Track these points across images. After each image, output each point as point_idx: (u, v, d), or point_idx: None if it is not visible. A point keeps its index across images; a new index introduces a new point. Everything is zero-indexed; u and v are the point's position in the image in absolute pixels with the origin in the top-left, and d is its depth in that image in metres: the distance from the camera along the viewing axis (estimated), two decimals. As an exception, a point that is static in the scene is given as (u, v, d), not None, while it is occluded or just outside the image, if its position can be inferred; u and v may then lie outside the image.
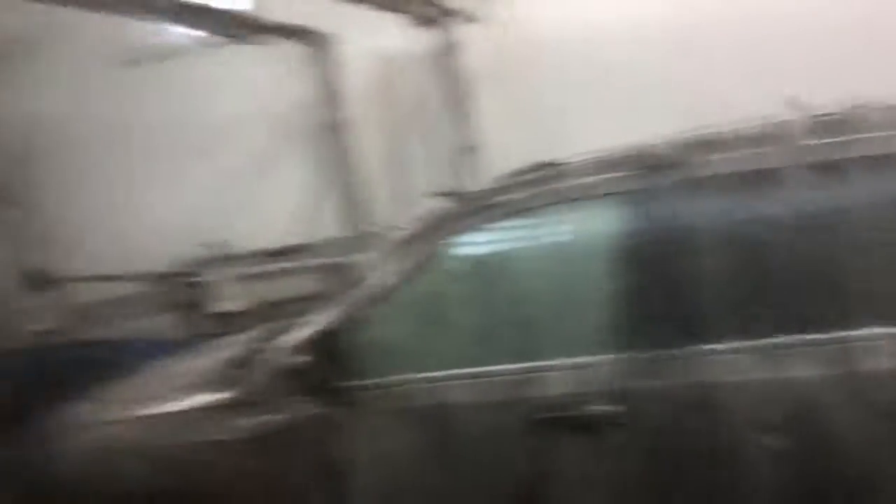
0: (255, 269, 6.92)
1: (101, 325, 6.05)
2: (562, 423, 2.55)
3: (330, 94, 7.57)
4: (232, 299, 6.64)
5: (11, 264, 7.36)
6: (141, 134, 7.98)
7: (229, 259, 7.09)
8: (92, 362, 4.00)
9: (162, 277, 6.97)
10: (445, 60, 7.27)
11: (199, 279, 6.86)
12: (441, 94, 7.28)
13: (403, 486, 2.73)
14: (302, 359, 2.76)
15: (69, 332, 5.78)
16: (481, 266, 2.90)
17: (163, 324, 6.59)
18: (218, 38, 7.04)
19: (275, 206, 7.53)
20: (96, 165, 8.13)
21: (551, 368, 2.62)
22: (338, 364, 2.72)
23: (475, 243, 2.87)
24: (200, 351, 3.69)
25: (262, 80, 7.47)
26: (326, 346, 2.75)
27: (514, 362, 2.67)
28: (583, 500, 2.57)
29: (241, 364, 2.97)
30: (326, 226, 7.44)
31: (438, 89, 7.28)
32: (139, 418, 3.08)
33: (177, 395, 3.07)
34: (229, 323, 6.03)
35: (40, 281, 6.77)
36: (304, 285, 6.30)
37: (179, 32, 7.49)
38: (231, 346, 3.33)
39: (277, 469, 2.79)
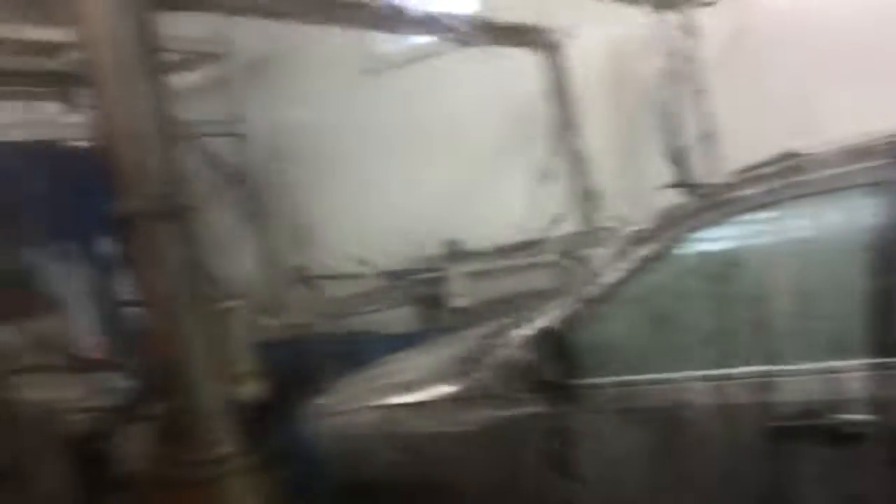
0: (491, 266, 7.05)
1: (349, 320, 6.45)
2: (805, 432, 2.39)
3: (561, 89, 7.56)
4: (467, 295, 6.81)
5: (274, 262, 8.07)
6: (382, 137, 8.44)
7: (465, 255, 7.30)
8: (340, 354, 4.28)
9: (403, 274, 7.31)
10: (680, 46, 7.02)
11: (436, 275, 7.11)
12: (675, 81, 7.04)
13: (626, 488, 2.69)
14: (527, 356, 2.79)
15: (322, 325, 6.22)
16: (718, 263, 2.76)
17: (404, 318, 6.91)
18: (450, 43, 7.25)
19: (509, 203, 7.62)
20: (344, 168, 8.70)
21: (794, 373, 2.46)
22: (563, 362, 2.72)
23: (713, 239, 2.76)
24: (436, 345, 3.84)
25: (493, 79, 7.60)
26: (552, 343, 2.75)
27: (752, 366, 2.53)
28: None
29: (471, 359, 3.05)
30: (560, 222, 7.44)
31: (672, 77, 7.05)
32: (380, 407, 3.25)
33: (414, 387, 3.21)
34: (465, 318, 6.20)
35: (298, 277, 7.36)
36: (538, 281, 6.34)
37: (414, 40, 7.81)
38: (463, 342, 3.43)
39: (502, 463, 2.85)
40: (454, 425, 2.91)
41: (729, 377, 2.56)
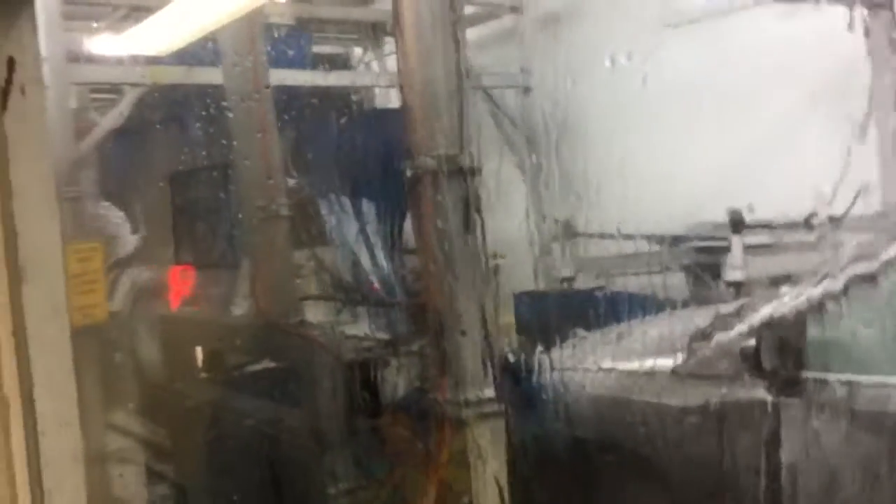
0: (776, 240, 6.71)
1: (611, 278, 6.48)
2: None
3: (880, 53, 6.90)
4: (744, 269, 6.56)
5: (545, 216, 8.26)
6: (676, 93, 8.22)
7: (749, 227, 7.00)
8: (590, 311, 4.38)
9: (680, 239, 7.17)
10: None
11: (714, 245, 6.90)
12: None
13: (838, 488, 2.57)
14: (755, 341, 2.74)
15: (583, 280, 6.32)
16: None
17: (674, 285, 6.81)
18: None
19: (809, 175, 7.15)
20: (632, 125, 8.62)
21: None
22: (790, 352, 2.64)
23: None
24: (677, 316, 3.84)
25: (803, 38, 7.09)
26: (786, 331, 2.68)
27: None
28: None
29: (703, 336, 3.05)
30: (863, 199, 6.86)
31: None
32: (605, 370, 3.33)
33: (641, 355, 3.28)
34: (736, 292, 6.00)
35: (567, 233, 7.50)
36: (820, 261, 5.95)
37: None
38: (706, 317, 3.42)
39: (714, 443, 2.84)
40: (673, 398, 2.95)
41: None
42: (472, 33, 8.25)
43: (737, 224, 6.79)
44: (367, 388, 3.32)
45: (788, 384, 2.69)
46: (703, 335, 3.09)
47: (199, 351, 4.69)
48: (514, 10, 8.65)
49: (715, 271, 6.58)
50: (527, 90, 8.83)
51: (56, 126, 5.77)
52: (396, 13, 2.97)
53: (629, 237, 7.08)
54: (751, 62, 7.57)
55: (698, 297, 6.10)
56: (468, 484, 2.77)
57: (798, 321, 2.72)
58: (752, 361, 2.77)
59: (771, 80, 7.50)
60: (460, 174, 2.86)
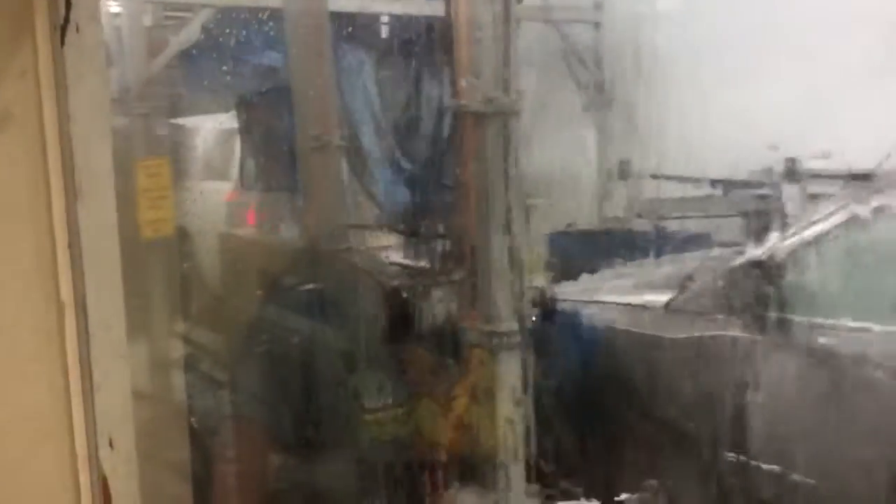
0: (831, 190, 6.62)
1: (662, 219, 6.51)
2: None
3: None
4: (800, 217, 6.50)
5: (605, 154, 8.25)
6: (744, 34, 8.04)
7: (805, 175, 6.90)
8: (620, 248, 4.51)
9: (737, 184, 7.11)
10: None
11: (770, 193, 6.84)
12: None
13: (794, 420, 2.84)
14: (732, 282, 2.90)
15: (633, 221, 6.38)
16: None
17: (732, 228, 6.79)
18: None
19: (875, 125, 6.99)
20: (696, 66, 8.47)
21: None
22: (763, 294, 2.82)
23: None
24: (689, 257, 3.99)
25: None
26: (756, 274, 2.83)
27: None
28: None
29: (694, 275, 3.23)
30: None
31: None
32: (609, 304, 3.61)
33: (642, 290, 3.46)
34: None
35: (623, 172, 7.50)
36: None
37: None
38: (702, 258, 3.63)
39: (695, 373, 3.02)
40: (662, 332, 3.13)
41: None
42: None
43: (791, 173, 6.70)
44: (403, 315, 3.50)
45: (757, 322, 2.87)
46: (695, 274, 3.27)
47: (255, 269, 4.93)
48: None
49: (767, 218, 6.53)
50: (597, 25, 8.73)
51: (130, 44, 5.99)
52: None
53: (685, 179, 7.06)
54: (828, 5, 7.34)
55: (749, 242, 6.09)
56: (487, 411, 2.96)
57: (772, 265, 2.87)
58: (723, 300, 2.95)
59: (851, 17, 7.26)
60: (502, 115, 2.95)
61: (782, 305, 2.91)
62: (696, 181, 7.24)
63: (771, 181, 6.88)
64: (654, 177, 7.40)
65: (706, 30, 8.09)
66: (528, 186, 3.16)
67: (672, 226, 6.31)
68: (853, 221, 2.82)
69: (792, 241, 2.97)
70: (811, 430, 2.80)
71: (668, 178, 7.27)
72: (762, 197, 6.84)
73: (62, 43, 1.55)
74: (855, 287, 2.83)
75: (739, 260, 3.12)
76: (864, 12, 7.05)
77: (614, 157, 8.09)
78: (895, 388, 2.62)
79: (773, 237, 3.06)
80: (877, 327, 2.73)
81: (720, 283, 3.11)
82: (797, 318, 2.89)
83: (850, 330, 2.76)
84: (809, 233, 2.94)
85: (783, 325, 2.90)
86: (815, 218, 2.98)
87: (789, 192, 6.64)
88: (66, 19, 1.53)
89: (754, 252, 3.06)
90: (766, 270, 2.92)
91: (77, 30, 1.54)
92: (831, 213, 2.92)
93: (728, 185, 7.13)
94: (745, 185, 7.07)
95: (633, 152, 7.90)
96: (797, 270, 2.91)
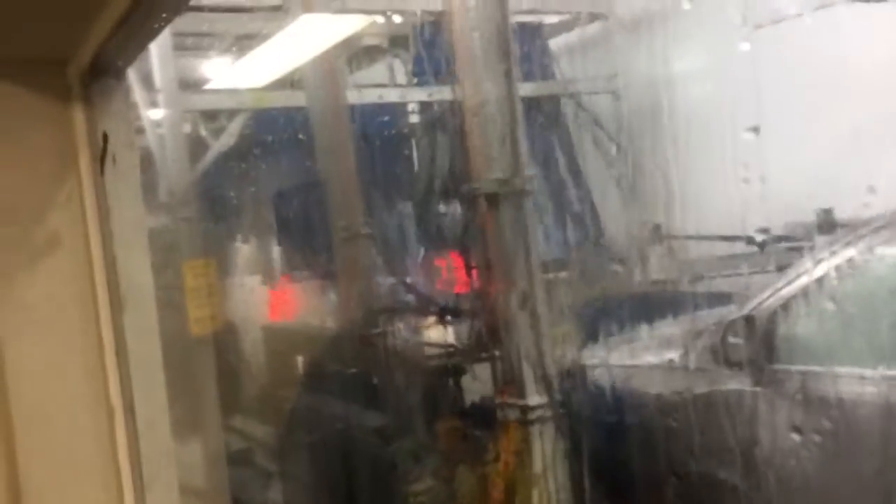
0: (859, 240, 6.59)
1: (702, 280, 6.53)
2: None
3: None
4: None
5: (636, 220, 8.33)
6: (765, 93, 8.13)
7: (837, 227, 6.89)
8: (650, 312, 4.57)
9: (773, 240, 7.12)
10: None
11: (804, 245, 6.83)
12: None
13: (797, 469, 2.75)
14: (730, 337, 2.98)
15: (675, 283, 6.40)
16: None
17: (755, 285, 6.78)
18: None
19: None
20: (721, 126, 8.57)
21: None
22: (759, 346, 2.88)
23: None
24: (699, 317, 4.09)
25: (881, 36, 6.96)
26: (751, 328, 2.90)
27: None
28: None
29: (698, 334, 3.30)
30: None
31: None
32: (625, 366, 3.65)
33: (655, 350, 3.54)
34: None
35: (657, 236, 7.56)
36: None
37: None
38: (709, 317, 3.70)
39: (701, 426, 3.06)
40: (670, 389, 3.19)
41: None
42: (561, 41, 8.41)
43: (824, 225, 6.70)
44: (444, 392, 3.60)
45: (756, 374, 2.91)
46: (699, 332, 3.33)
47: (296, 358, 5.07)
48: (599, 17, 8.77)
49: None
50: (616, 95, 8.92)
51: (173, 151, 6.26)
52: (452, 50, 3.23)
53: (719, 238, 7.08)
54: (845, 58, 7.42)
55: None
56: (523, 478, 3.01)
57: (766, 318, 2.94)
58: (720, 356, 3.01)
59: (869, 78, 7.32)
60: (514, 196, 3.09)
61: (770, 356, 2.98)
62: (731, 239, 7.26)
63: (805, 234, 6.88)
64: (688, 238, 7.44)
65: (728, 89, 8.20)
66: (557, 260, 3.29)
67: (702, 286, 6.32)
68: (838, 270, 2.90)
69: (782, 293, 3.04)
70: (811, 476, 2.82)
71: (702, 238, 7.31)
72: (796, 250, 6.84)
73: (101, 172, 1.73)
74: (843, 333, 2.89)
75: (732, 316, 3.21)
76: (880, 66, 7.13)
77: (646, 221, 8.15)
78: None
79: (766, 291, 3.14)
80: (861, 371, 2.78)
81: (716, 339, 3.19)
82: (793, 368, 2.95)
83: (843, 376, 2.81)
84: (796, 284, 3.02)
85: (776, 374, 2.97)
86: (802, 269, 3.06)
87: (822, 243, 6.62)
88: (105, 150, 1.71)
89: (746, 307, 3.14)
90: (752, 324, 3.00)
91: (114, 160, 1.72)
92: (818, 263, 3.00)
93: (763, 241, 7.14)
94: (781, 239, 7.07)
95: (663, 215, 7.96)
96: (787, 322, 2.98)
